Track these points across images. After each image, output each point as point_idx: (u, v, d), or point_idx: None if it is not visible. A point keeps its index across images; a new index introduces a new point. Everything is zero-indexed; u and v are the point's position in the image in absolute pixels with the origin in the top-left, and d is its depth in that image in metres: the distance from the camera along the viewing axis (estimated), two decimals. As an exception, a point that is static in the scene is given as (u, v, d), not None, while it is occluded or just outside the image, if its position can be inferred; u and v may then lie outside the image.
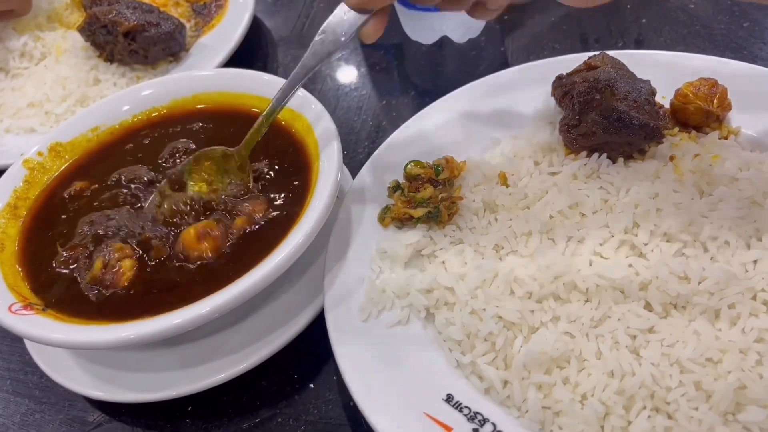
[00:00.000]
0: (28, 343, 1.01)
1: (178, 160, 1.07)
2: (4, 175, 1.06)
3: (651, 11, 1.39)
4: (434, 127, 1.13)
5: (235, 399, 0.94)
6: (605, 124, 0.93)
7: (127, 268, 0.90)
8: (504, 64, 1.38)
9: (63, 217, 1.02)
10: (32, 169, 1.08)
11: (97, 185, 1.05)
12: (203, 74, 1.19)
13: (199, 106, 1.14)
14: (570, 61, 1.13)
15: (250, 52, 1.55)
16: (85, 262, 0.92)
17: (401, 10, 1.41)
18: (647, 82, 0.99)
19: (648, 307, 0.82)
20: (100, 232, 0.95)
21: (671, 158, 0.95)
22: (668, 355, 0.76)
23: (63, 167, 1.10)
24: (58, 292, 0.91)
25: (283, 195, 0.99)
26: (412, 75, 1.44)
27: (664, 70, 1.06)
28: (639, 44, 1.33)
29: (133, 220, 0.96)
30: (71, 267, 0.93)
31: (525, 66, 1.19)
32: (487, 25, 1.43)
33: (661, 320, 0.80)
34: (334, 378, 0.94)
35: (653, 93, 0.98)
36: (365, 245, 0.98)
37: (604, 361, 0.78)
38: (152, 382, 0.93)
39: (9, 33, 1.55)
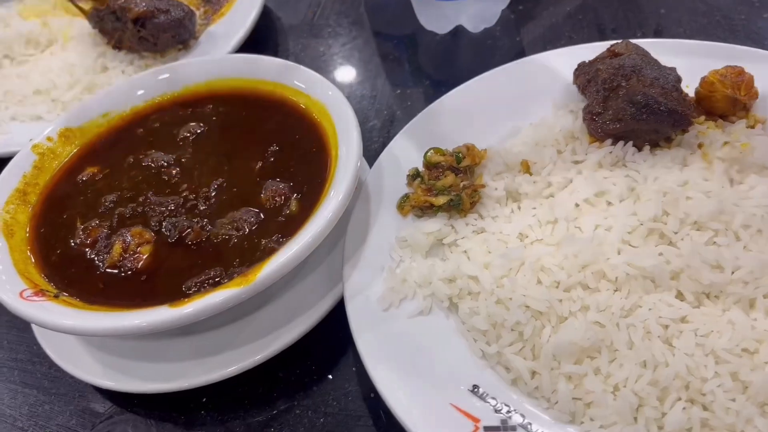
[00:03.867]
0: (37, 333, 0.98)
1: (191, 145, 1.05)
2: (13, 161, 1.04)
3: (670, 1, 1.37)
4: (452, 116, 1.11)
5: (252, 390, 0.92)
6: (633, 111, 0.91)
7: (145, 253, 0.88)
8: (519, 54, 1.35)
9: (76, 200, 0.99)
10: (42, 155, 1.06)
11: (109, 170, 1.03)
12: (218, 59, 1.17)
13: (217, 90, 1.12)
14: (590, 50, 1.11)
15: (260, 41, 1.53)
16: (105, 245, 0.89)
17: (416, 0, 1.39)
18: (673, 69, 0.97)
19: (680, 296, 0.80)
20: (126, 213, 0.92)
21: (699, 146, 0.93)
22: (702, 345, 0.74)
23: (74, 152, 1.07)
24: (71, 279, 0.89)
25: (301, 182, 0.96)
26: (426, 65, 1.42)
27: (687, 59, 1.04)
28: (658, 34, 1.31)
29: (157, 202, 0.94)
30: (87, 251, 0.91)
31: (543, 54, 1.17)
32: (502, 15, 1.41)
33: (694, 310, 0.78)
34: (353, 369, 0.92)
35: (679, 80, 0.96)
36: (384, 234, 0.96)
37: (636, 352, 0.75)
38: (166, 372, 0.91)
39: (15, 19, 1.52)
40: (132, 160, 1.03)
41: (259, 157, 1.00)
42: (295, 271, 0.90)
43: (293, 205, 0.93)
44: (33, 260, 0.92)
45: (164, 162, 1.02)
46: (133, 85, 1.13)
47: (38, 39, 1.51)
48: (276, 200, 0.93)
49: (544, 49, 1.20)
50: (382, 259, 0.93)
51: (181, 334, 0.93)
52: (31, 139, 1.07)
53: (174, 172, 1.01)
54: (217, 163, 1.01)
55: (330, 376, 0.92)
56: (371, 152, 1.20)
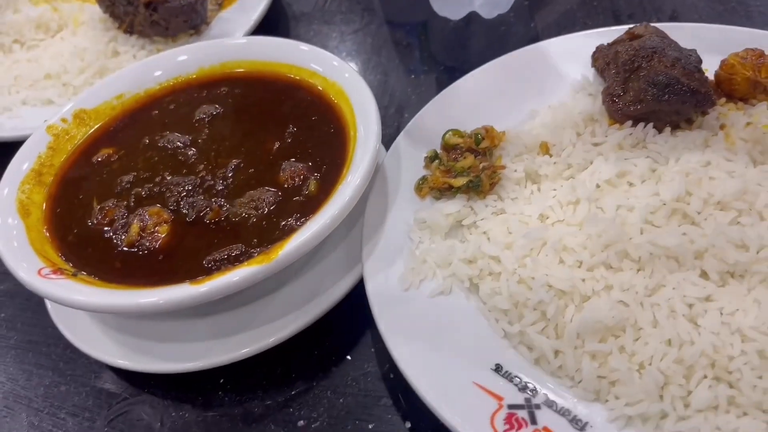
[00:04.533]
0: (53, 313, 0.97)
1: (206, 126, 1.04)
2: (27, 141, 1.03)
3: (685, -13, 1.36)
4: (467, 99, 1.10)
5: (270, 371, 0.91)
6: (654, 92, 0.91)
7: (163, 232, 0.87)
8: (534, 40, 1.33)
9: (92, 181, 0.98)
10: (56, 136, 1.05)
11: (124, 151, 1.02)
12: (234, 42, 1.16)
13: (231, 72, 1.11)
14: (606, 35, 1.11)
15: (271, 27, 1.52)
16: (123, 224, 0.89)
17: (429, -16, 1.39)
18: (694, 50, 0.96)
19: (704, 275, 0.79)
20: (143, 193, 0.92)
21: (721, 127, 0.93)
22: (728, 323, 0.74)
23: (89, 133, 1.06)
24: (89, 258, 0.88)
25: (319, 163, 0.96)
26: (439, 51, 1.41)
27: (705, 43, 1.03)
28: (674, 20, 1.30)
29: (174, 182, 0.93)
30: (105, 230, 0.90)
31: (558, 39, 1.17)
32: (516, 1, 1.40)
33: (719, 288, 0.77)
34: (372, 350, 0.92)
35: (700, 62, 0.96)
36: (402, 216, 0.95)
37: (660, 330, 0.75)
38: (183, 352, 0.90)
39: (25, 4, 1.51)
40: (147, 141, 1.03)
41: (276, 138, 1.00)
42: (314, 251, 0.89)
43: (312, 185, 0.92)
44: (50, 240, 0.91)
45: (180, 143, 1.01)
46: (149, 66, 1.12)
47: (48, 24, 1.51)
48: (294, 180, 0.93)
49: (559, 35, 1.19)
50: (400, 240, 0.92)
51: (199, 314, 0.92)
52: (45, 120, 1.06)
53: (190, 153, 1.00)
54: (234, 144, 1.00)
55: (349, 357, 0.92)
56: (386, 137, 1.20)
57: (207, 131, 1.04)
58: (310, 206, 0.88)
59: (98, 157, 1.02)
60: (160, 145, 1.02)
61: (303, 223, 0.84)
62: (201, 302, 0.79)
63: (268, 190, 0.92)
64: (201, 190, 0.94)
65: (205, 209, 0.90)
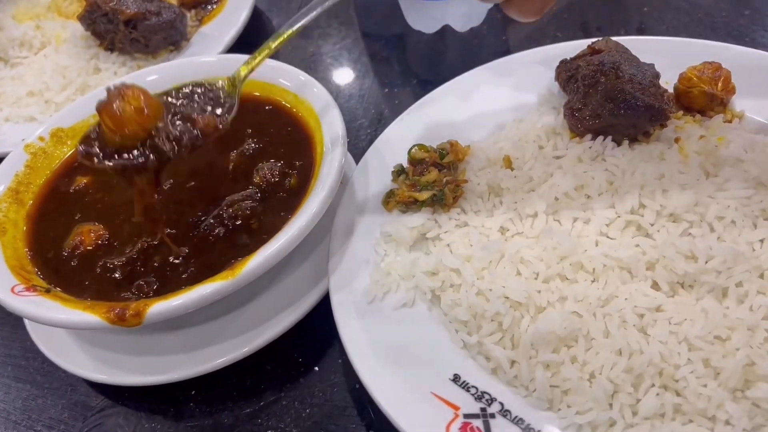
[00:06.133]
0: (29, 328, 1.00)
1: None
2: (6, 160, 1.06)
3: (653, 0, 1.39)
4: (437, 113, 1.13)
5: (240, 382, 0.94)
6: (611, 107, 0.93)
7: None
8: (506, 53, 1.36)
9: (70, 202, 1.02)
10: (34, 155, 1.07)
11: (98, 181, 1.05)
12: (207, 60, 1.18)
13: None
14: (573, 48, 1.13)
15: (251, 42, 1.53)
16: (104, 245, 0.94)
17: (403, 0, 1.41)
18: (651, 65, 0.99)
19: (655, 286, 0.82)
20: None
21: (676, 140, 0.95)
22: (676, 333, 0.76)
23: (68, 154, 1.09)
24: (64, 276, 0.91)
25: (286, 177, 0.98)
26: (413, 64, 1.44)
27: (667, 56, 1.06)
28: (641, 32, 1.33)
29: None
30: (81, 250, 0.94)
31: (528, 52, 1.20)
32: (489, 14, 1.43)
33: (669, 299, 0.80)
34: (339, 361, 0.94)
35: (657, 76, 0.98)
36: (369, 229, 0.98)
37: (611, 340, 0.77)
38: (155, 365, 0.93)
39: (9, 22, 1.54)
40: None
41: (242, 153, 1.03)
42: (281, 265, 0.91)
43: (278, 199, 0.95)
44: (29, 257, 0.94)
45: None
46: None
47: (32, 42, 1.53)
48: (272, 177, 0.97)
49: (530, 47, 1.22)
50: (367, 253, 0.95)
51: (170, 328, 0.94)
52: (23, 139, 1.09)
53: (165, 186, 1.02)
54: (206, 161, 1.03)
55: (316, 368, 0.94)
56: (359, 150, 1.22)
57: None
58: (275, 223, 0.91)
59: (75, 186, 1.05)
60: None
61: (267, 240, 0.87)
62: (172, 317, 0.81)
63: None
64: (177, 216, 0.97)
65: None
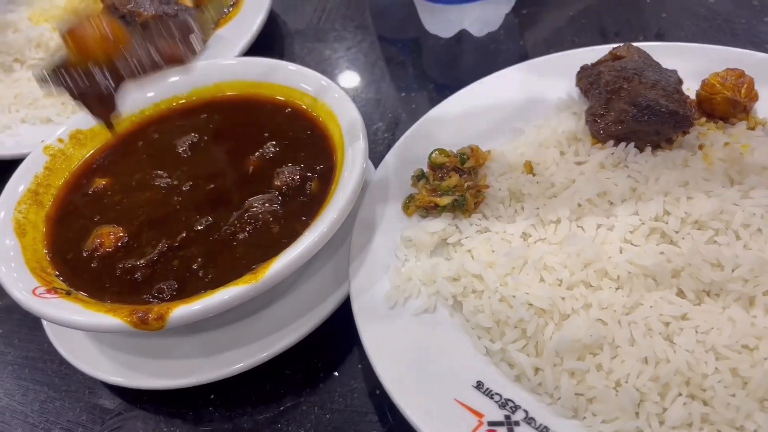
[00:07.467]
0: (48, 330, 1.00)
1: (201, 150, 1.07)
2: (25, 161, 1.06)
3: (671, 5, 1.38)
4: (456, 118, 1.12)
5: (259, 387, 0.93)
6: (634, 113, 0.93)
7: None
8: (523, 58, 1.36)
9: (90, 204, 1.03)
10: (53, 156, 1.07)
11: (119, 184, 1.06)
12: (229, 63, 1.18)
13: (225, 95, 1.14)
14: (592, 53, 1.12)
15: (267, 46, 1.55)
16: (123, 247, 0.94)
17: (420, 3, 1.41)
18: (674, 71, 0.99)
19: (680, 294, 0.81)
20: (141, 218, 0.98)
21: (700, 147, 0.94)
22: (703, 342, 0.75)
23: (86, 156, 1.09)
24: (84, 278, 0.91)
25: (306, 181, 0.98)
26: (430, 68, 1.44)
27: (688, 62, 1.05)
28: (660, 38, 1.32)
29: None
30: (100, 252, 0.94)
31: (547, 57, 1.19)
32: (506, 19, 1.43)
33: (695, 307, 0.79)
34: (359, 366, 0.94)
35: (681, 82, 0.98)
36: (389, 234, 0.97)
37: (637, 348, 0.77)
38: (175, 368, 0.92)
39: (25, 24, 1.55)
40: (138, 177, 1.05)
41: (261, 156, 1.03)
42: (301, 270, 0.91)
43: (299, 203, 0.95)
44: (48, 259, 0.94)
45: (175, 182, 1.03)
46: (142, 87, 1.14)
47: (48, 43, 1.54)
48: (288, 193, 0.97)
49: (548, 52, 1.21)
50: (387, 258, 0.94)
51: (190, 331, 0.94)
52: (42, 141, 1.09)
53: (185, 188, 1.02)
54: (227, 165, 1.03)
55: (336, 373, 0.94)
56: (376, 154, 1.22)
57: (201, 155, 1.07)
58: (296, 228, 0.91)
59: (94, 188, 1.05)
60: (154, 183, 1.04)
61: (289, 245, 0.86)
62: (192, 321, 0.81)
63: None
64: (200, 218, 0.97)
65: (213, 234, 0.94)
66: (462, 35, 1.43)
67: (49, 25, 1.57)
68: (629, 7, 1.41)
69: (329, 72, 1.47)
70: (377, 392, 0.90)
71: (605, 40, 1.35)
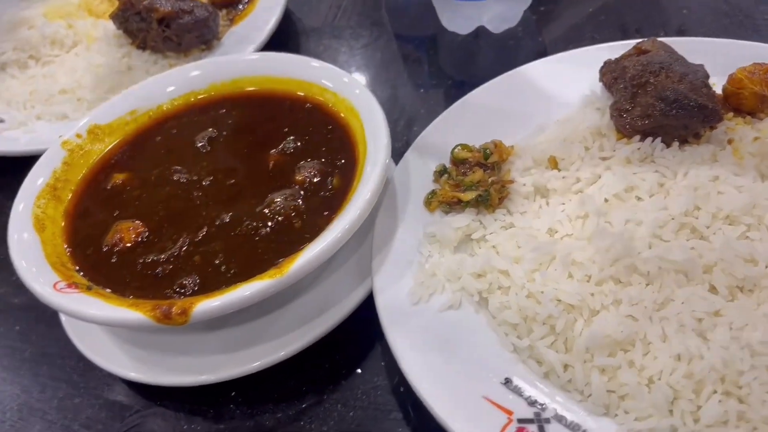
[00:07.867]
0: (66, 326, 0.99)
1: (220, 145, 1.06)
2: (43, 156, 1.05)
3: (692, 1, 1.37)
4: (477, 113, 1.11)
5: (281, 384, 0.92)
6: (662, 107, 0.91)
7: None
8: (541, 54, 1.35)
9: (109, 199, 1.01)
10: (71, 151, 1.07)
11: (138, 178, 1.04)
12: (249, 58, 1.18)
13: (244, 90, 1.13)
14: (615, 48, 1.11)
15: (282, 43, 1.54)
16: (143, 241, 0.92)
17: (437, 0, 1.40)
18: (701, 65, 0.97)
19: (713, 290, 0.79)
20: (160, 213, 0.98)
21: (729, 142, 0.93)
22: (738, 338, 0.74)
23: (105, 150, 1.09)
24: (105, 273, 0.90)
25: (328, 176, 0.97)
26: (447, 65, 1.42)
27: (713, 57, 1.03)
28: (681, 34, 1.31)
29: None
30: (119, 247, 0.92)
31: (568, 53, 1.18)
32: (524, 16, 1.41)
33: (728, 303, 0.78)
34: (382, 363, 0.92)
35: (708, 77, 0.96)
36: (412, 229, 0.96)
37: (669, 345, 0.75)
38: (195, 365, 0.91)
39: (40, 21, 1.54)
40: (157, 172, 1.04)
41: (282, 151, 1.02)
42: (324, 265, 0.90)
43: (321, 199, 0.93)
44: (68, 254, 0.93)
45: (195, 177, 1.02)
46: (161, 82, 1.14)
47: (63, 40, 1.53)
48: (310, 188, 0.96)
49: (566, 49, 1.20)
50: (410, 254, 0.93)
51: (211, 328, 0.93)
52: (60, 136, 1.08)
53: (205, 183, 1.01)
54: (247, 160, 1.02)
55: (359, 370, 0.92)
56: (395, 151, 1.20)
57: (220, 150, 1.06)
58: (318, 224, 0.89)
59: (112, 182, 1.04)
60: (174, 178, 1.03)
61: (311, 240, 0.85)
62: (212, 317, 0.80)
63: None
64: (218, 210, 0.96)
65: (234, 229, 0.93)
66: (480, 32, 1.42)
67: (64, 21, 1.56)
68: (649, 3, 1.39)
69: (345, 69, 1.43)
70: (401, 389, 0.88)
71: (625, 36, 1.34)
